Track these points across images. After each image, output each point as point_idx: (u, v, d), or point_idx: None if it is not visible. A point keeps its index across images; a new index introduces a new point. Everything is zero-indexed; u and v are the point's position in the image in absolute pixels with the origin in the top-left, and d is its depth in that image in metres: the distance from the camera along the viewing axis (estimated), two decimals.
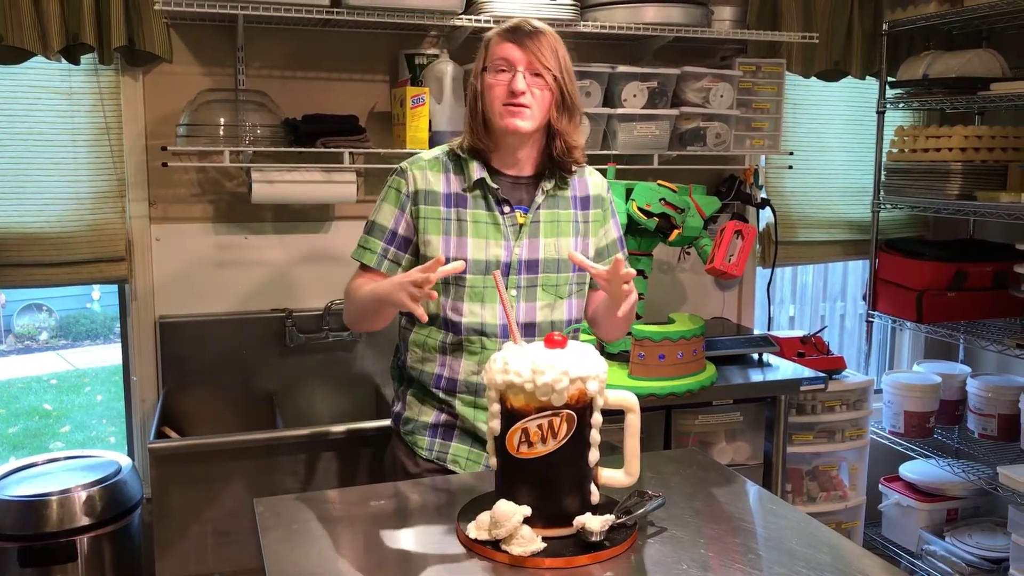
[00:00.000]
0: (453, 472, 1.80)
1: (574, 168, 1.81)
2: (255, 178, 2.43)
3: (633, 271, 1.61)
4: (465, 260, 1.72)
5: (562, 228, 1.80)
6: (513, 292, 1.75)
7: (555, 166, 1.79)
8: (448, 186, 1.77)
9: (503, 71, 1.69)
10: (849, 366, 3.19)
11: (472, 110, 1.76)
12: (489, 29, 2.54)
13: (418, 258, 1.77)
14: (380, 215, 1.79)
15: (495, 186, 1.75)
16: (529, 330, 1.76)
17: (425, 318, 1.60)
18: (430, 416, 1.82)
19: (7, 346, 6.81)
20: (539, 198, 1.77)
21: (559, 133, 1.75)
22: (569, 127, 1.75)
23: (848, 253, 3.50)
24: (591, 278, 1.84)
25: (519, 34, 1.69)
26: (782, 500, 1.61)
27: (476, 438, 1.80)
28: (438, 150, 1.83)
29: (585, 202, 1.84)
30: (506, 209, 1.76)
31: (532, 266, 1.77)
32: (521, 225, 1.77)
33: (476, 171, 1.75)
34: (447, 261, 1.71)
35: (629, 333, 2.47)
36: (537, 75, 1.68)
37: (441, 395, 1.80)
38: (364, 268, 1.80)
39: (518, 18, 1.76)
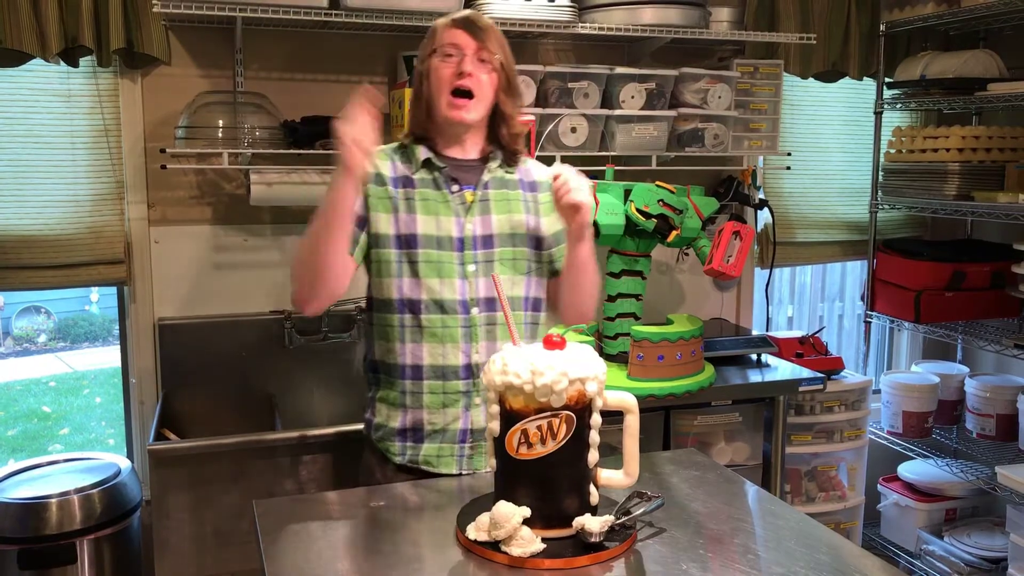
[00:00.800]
0: (426, 473, 1.77)
1: (517, 155, 1.85)
2: (254, 180, 2.43)
3: (560, 171, 1.66)
4: (416, 236, 1.74)
5: (513, 206, 1.82)
6: (472, 267, 1.76)
7: (501, 150, 1.83)
8: (395, 171, 1.79)
9: (451, 56, 1.73)
10: (847, 366, 3.19)
11: (416, 95, 1.79)
12: None
13: (369, 236, 1.77)
14: None
15: (442, 165, 1.78)
16: (491, 304, 1.77)
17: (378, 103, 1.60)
18: (397, 421, 1.79)
19: (6, 348, 6.80)
20: (485, 176, 1.80)
21: (507, 117, 1.80)
22: (515, 113, 1.81)
23: (846, 253, 3.51)
24: (549, 259, 1.86)
25: (468, 22, 1.75)
26: (781, 500, 1.62)
27: (446, 436, 1.78)
28: (384, 146, 1.85)
29: (533, 186, 1.87)
30: (454, 188, 1.78)
31: (488, 241, 1.78)
32: (471, 203, 1.78)
33: (422, 152, 1.79)
34: (399, 238, 1.74)
35: (627, 334, 2.47)
36: (483, 61, 1.73)
37: (409, 386, 1.77)
38: None
39: (466, 11, 1.81)
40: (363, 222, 1.77)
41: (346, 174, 1.61)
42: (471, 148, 1.82)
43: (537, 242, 1.84)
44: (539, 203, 1.86)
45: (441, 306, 1.74)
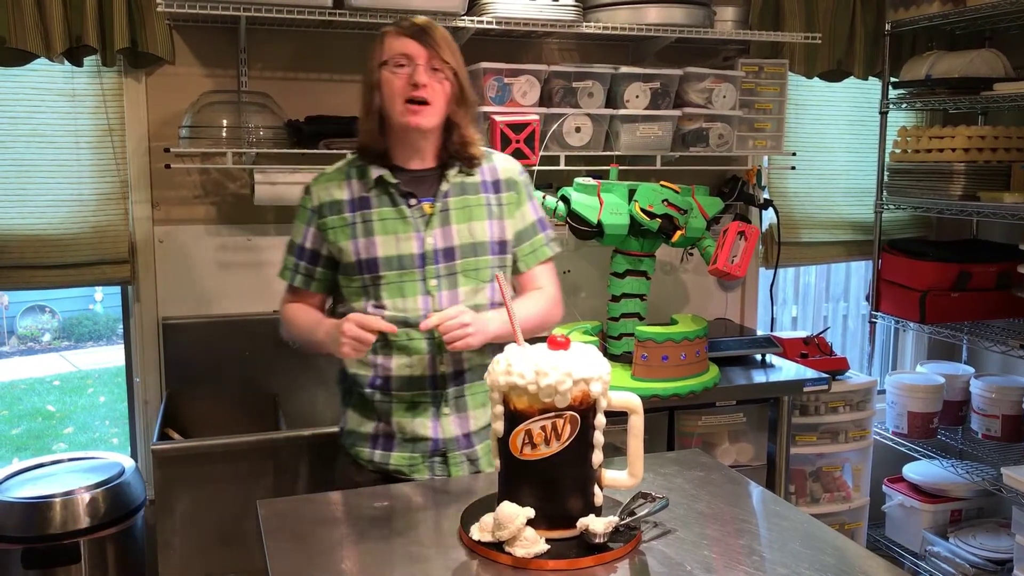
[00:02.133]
0: (398, 479, 1.77)
1: (474, 162, 1.81)
2: (258, 179, 2.44)
3: (433, 322, 1.67)
4: (376, 260, 1.74)
5: (474, 212, 1.79)
6: (434, 282, 1.75)
7: (455, 158, 1.80)
8: (351, 192, 1.78)
9: (402, 66, 1.70)
10: (852, 367, 3.18)
11: (367, 106, 1.76)
12: (491, 31, 2.56)
13: (336, 270, 1.80)
14: (294, 233, 1.85)
15: (395, 181, 1.76)
16: None
17: (394, 329, 1.69)
18: (369, 427, 1.81)
19: (10, 348, 6.82)
20: (444, 186, 1.78)
21: (457, 126, 1.77)
22: (466, 120, 1.78)
23: (851, 254, 3.50)
24: (514, 260, 1.85)
25: (417, 30, 1.72)
26: (785, 501, 1.61)
27: (416, 446, 1.78)
28: (341, 162, 1.84)
29: (496, 186, 1.83)
30: (412, 201, 1.76)
31: (449, 254, 1.76)
32: (430, 215, 1.76)
33: (375, 170, 1.76)
34: (360, 264, 1.74)
35: (631, 334, 2.47)
36: (436, 70, 1.71)
37: (378, 397, 1.78)
38: (289, 286, 1.88)
39: (415, 15, 1.78)
40: (316, 257, 1.81)
41: (334, 353, 1.72)
42: (429, 157, 1.79)
43: (501, 246, 1.81)
44: (503, 204, 1.83)
45: (406, 322, 1.74)
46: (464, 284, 1.77)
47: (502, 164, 1.86)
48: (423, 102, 1.69)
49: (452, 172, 1.79)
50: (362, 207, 1.76)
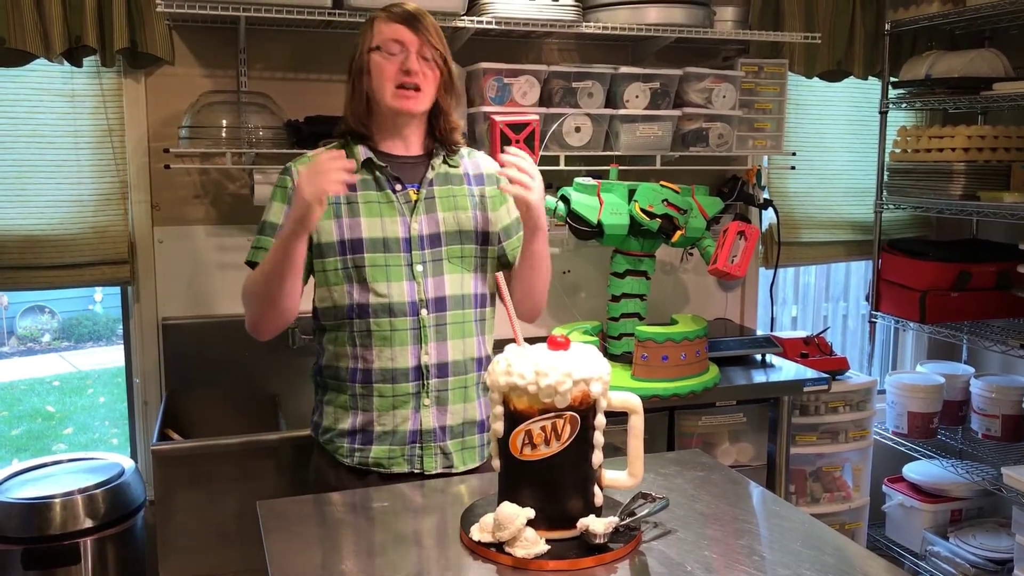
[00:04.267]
0: (378, 474, 1.76)
1: (455, 147, 1.84)
2: (257, 180, 2.43)
3: (508, 160, 1.67)
4: (361, 240, 1.73)
5: (459, 202, 1.81)
6: (419, 267, 1.75)
7: (440, 145, 1.82)
8: None
9: (394, 54, 1.72)
10: (852, 367, 3.18)
11: (355, 90, 1.76)
12: (491, 31, 2.56)
13: (312, 251, 1.75)
14: (270, 214, 1.78)
15: (383, 164, 1.76)
16: (440, 304, 1.76)
17: (352, 166, 1.60)
18: (347, 423, 1.78)
19: (10, 348, 6.81)
20: (430, 174, 1.79)
21: (444, 112, 1.79)
22: (452, 106, 1.80)
23: (851, 253, 3.50)
24: (500, 253, 1.86)
25: (409, 16, 1.73)
26: (785, 501, 1.61)
27: (396, 438, 1.76)
28: (321, 148, 1.85)
29: (479, 179, 1.86)
30: (398, 187, 1.77)
31: (435, 240, 1.77)
32: (415, 201, 1.77)
33: (362, 152, 1.77)
34: (343, 244, 1.72)
35: (631, 334, 2.47)
36: (426, 58, 1.73)
37: (359, 390, 1.76)
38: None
39: (405, 3, 1.77)
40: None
41: (302, 230, 1.61)
42: (413, 144, 1.81)
43: (484, 237, 1.82)
44: (486, 197, 1.85)
45: (390, 309, 1.73)
46: (450, 271, 1.77)
47: (483, 161, 1.90)
48: (415, 88, 1.71)
49: (437, 161, 1.80)
50: (346, 188, 1.73)
